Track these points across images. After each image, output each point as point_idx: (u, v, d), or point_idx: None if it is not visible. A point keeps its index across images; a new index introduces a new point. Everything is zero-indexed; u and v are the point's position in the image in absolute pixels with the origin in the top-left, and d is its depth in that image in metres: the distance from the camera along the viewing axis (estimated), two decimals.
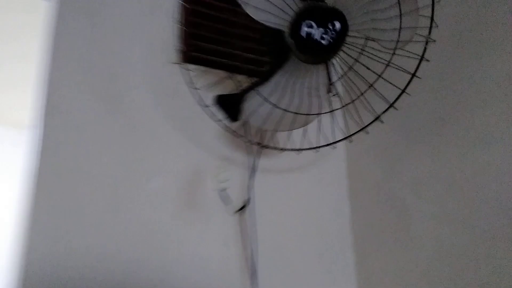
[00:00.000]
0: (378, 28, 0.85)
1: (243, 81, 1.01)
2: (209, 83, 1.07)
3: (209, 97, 1.00)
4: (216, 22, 1.09)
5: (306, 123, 0.90)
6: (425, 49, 0.87)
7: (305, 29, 0.78)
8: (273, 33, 0.86)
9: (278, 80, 0.87)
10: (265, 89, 0.87)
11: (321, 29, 0.79)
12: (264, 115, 0.88)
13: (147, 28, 1.09)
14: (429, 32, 0.85)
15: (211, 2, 1.10)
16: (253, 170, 1.13)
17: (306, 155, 1.23)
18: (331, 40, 0.79)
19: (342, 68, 0.88)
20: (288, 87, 0.87)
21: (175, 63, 1.08)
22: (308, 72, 0.86)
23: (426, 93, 1.07)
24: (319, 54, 0.81)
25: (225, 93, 0.98)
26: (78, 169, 0.96)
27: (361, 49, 0.87)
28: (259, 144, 1.00)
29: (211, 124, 1.09)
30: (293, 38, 0.80)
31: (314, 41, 0.79)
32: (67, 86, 1.00)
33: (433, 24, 0.85)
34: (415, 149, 1.11)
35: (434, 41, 0.87)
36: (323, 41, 0.79)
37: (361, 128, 0.95)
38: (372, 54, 0.88)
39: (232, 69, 1.07)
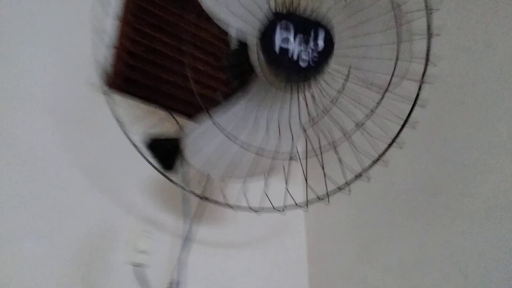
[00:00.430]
0: (367, 57, 0.65)
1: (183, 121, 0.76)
2: (139, 118, 0.79)
3: (137, 134, 0.72)
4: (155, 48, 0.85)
5: (271, 168, 0.64)
6: (418, 94, 0.68)
7: (279, 37, 0.56)
8: (236, 49, 0.63)
9: (237, 108, 0.62)
10: (219, 118, 0.61)
11: (300, 41, 0.57)
12: (213, 154, 0.61)
13: (64, 38, 0.81)
14: (423, 74, 0.67)
15: (156, 20, 0.87)
16: (187, 241, 0.83)
17: (258, 226, 0.97)
18: (312, 58, 0.57)
19: (320, 101, 0.65)
20: (249, 119, 0.62)
21: (100, 89, 0.80)
22: (277, 101, 0.63)
23: (415, 152, 0.86)
24: (295, 74, 0.58)
25: (158, 135, 0.72)
26: None
27: (345, 79, 0.66)
28: (202, 197, 0.71)
29: (136, 171, 0.81)
30: (263, 49, 0.57)
31: (290, 54, 0.57)
32: None
33: (429, 64, 0.66)
34: (398, 225, 0.87)
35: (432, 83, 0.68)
36: (302, 57, 0.57)
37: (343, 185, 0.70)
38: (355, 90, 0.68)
39: (171, 107, 0.82)
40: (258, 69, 0.60)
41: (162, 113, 0.78)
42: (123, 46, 0.81)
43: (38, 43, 0.78)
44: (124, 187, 0.81)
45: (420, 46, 0.70)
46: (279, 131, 0.63)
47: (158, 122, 0.76)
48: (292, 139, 0.66)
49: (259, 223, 0.98)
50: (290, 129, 0.64)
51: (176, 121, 0.77)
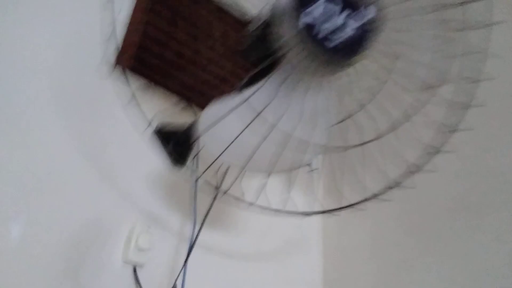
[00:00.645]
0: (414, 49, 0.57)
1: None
2: (151, 104, 0.72)
3: (148, 120, 0.65)
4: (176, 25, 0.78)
5: (294, 166, 0.56)
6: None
7: (309, 9, 0.48)
8: (257, 31, 0.56)
9: (259, 94, 0.55)
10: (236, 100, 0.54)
11: (333, 15, 0.49)
12: (232, 138, 0.54)
13: (73, 11, 0.74)
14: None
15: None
16: (193, 244, 0.75)
17: (271, 238, 0.88)
18: (362, 29, 0.49)
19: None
20: (272, 107, 0.54)
21: (110, 68, 0.74)
22: (304, 87, 0.55)
23: (456, 165, 0.76)
24: (322, 54, 0.49)
25: (170, 123, 0.65)
26: None
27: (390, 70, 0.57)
28: (217, 190, 0.63)
29: (144, 162, 0.74)
30: (289, 23, 0.49)
31: (317, 31, 0.48)
32: None
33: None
34: (430, 250, 0.77)
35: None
36: (347, 29, 0.49)
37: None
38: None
39: (186, 95, 0.75)
40: (283, 48, 0.52)
41: (175, 101, 0.72)
42: (136, 24, 0.75)
43: (45, 15, 0.72)
44: (129, 179, 0.73)
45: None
46: (306, 124, 0.55)
47: (171, 110, 0.69)
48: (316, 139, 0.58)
49: (273, 236, 0.90)
50: (316, 122, 0.56)
51: (193, 109, 0.71)
